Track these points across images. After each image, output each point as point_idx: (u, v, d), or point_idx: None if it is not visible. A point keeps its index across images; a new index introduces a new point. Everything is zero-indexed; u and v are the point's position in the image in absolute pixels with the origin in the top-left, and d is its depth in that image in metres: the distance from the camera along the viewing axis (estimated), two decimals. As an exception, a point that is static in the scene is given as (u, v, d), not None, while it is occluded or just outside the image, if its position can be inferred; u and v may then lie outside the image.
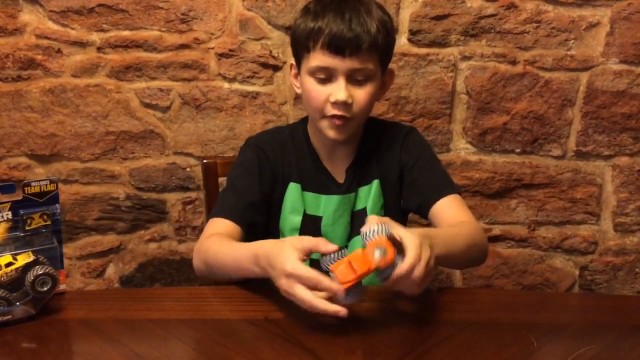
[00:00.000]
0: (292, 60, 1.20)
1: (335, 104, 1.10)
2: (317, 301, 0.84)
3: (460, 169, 1.75)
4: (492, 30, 1.67)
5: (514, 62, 1.69)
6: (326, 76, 1.11)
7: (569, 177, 1.76)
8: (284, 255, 0.86)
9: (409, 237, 0.85)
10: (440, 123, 1.73)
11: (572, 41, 1.67)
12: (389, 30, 1.13)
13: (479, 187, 1.76)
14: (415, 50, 1.67)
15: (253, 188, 1.16)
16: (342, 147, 1.21)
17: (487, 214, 1.79)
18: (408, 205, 1.22)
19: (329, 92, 1.10)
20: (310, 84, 1.12)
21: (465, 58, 1.69)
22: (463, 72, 1.70)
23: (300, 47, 1.13)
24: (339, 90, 1.09)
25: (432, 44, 1.67)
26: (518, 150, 1.75)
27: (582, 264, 1.83)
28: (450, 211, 1.15)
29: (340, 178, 1.21)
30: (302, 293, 0.84)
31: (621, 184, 1.77)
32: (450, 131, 1.74)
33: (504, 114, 1.72)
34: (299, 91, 1.19)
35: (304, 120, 1.26)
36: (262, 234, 1.22)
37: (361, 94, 1.11)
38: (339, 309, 0.84)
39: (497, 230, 1.81)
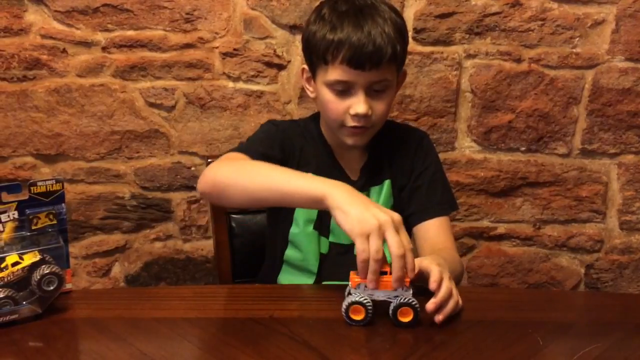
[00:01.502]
0: (304, 65, 1.18)
1: (356, 116, 1.09)
2: (408, 250, 0.86)
3: (465, 168, 1.75)
4: (497, 28, 1.66)
5: (518, 60, 1.68)
6: (345, 89, 1.10)
7: (575, 175, 1.76)
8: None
9: (427, 260, 0.94)
10: (444, 121, 1.72)
11: (577, 39, 1.67)
12: (404, 35, 1.13)
13: (484, 186, 1.76)
14: (420, 48, 1.67)
15: (274, 149, 1.16)
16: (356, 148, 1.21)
17: (492, 213, 1.79)
18: (403, 209, 1.22)
19: (348, 104, 1.10)
20: (328, 95, 1.11)
21: (470, 56, 1.68)
22: (468, 70, 1.70)
23: (317, 57, 1.11)
24: (358, 103, 1.09)
25: (436, 42, 1.67)
26: (523, 149, 1.74)
27: (587, 262, 1.83)
28: (435, 233, 1.18)
29: (354, 176, 1.22)
30: (396, 238, 0.86)
31: (627, 182, 1.77)
32: (455, 129, 1.74)
33: (509, 112, 1.72)
34: (312, 95, 1.19)
35: (315, 118, 1.25)
36: (274, 219, 1.24)
37: (380, 105, 1.11)
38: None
39: (502, 228, 1.80)
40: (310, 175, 0.98)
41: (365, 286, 0.87)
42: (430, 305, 0.88)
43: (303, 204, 0.99)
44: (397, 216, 0.89)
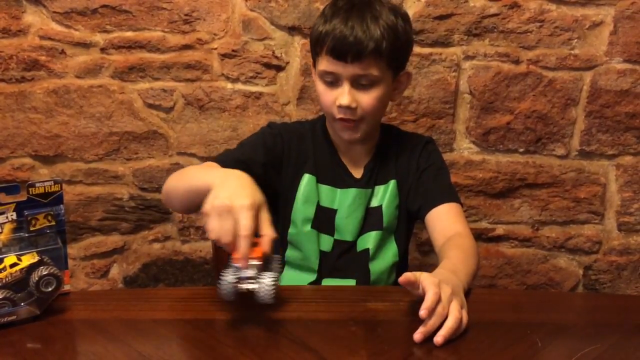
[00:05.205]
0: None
1: (341, 107, 1.12)
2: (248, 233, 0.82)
3: (464, 169, 1.75)
4: (495, 30, 1.66)
5: (517, 62, 1.69)
6: (333, 80, 1.13)
7: (573, 176, 1.76)
8: (255, 195, 0.86)
9: (425, 275, 0.87)
10: (443, 123, 1.72)
11: (576, 40, 1.67)
12: (398, 35, 1.13)
13: (483, 187, 1.76)
14: (418, 50, 1.67)
15: (256, 154, 1.17)
16: (360, 146, 1.23)
17: (491, 214, 1.79)
18: (411, 206, 1.24)
19: (335, 95, 1.13)
20: (321, 87, 1.16)
21: (469, 58, 1.69)
22: (466, 71, 1.70)
23: (313, 50, 1.18)
24: (342, 95, 1.12)
25: (435, 43, 1.67)
26: (521, 150, 1.74)
27: (586, 263, 1.83)
28: (446, 219, 1.17)
29: (358, 174, 1.24)
30: (245, 222, 0.82)
31: (625, 183, 1.77)
32: (454, 131, 1.74)
33: (508, 113, 1.72)
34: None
35: (322, 117, 1.28)
36: (272, 221, 1.24)
37: (366, 99, 1.13)
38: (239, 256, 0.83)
39: (500, 230, 1.80)
40: (221, 169, 0.99)
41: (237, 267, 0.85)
42: (417, 335, 0.83)
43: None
44: (259, 199, 0.86)
